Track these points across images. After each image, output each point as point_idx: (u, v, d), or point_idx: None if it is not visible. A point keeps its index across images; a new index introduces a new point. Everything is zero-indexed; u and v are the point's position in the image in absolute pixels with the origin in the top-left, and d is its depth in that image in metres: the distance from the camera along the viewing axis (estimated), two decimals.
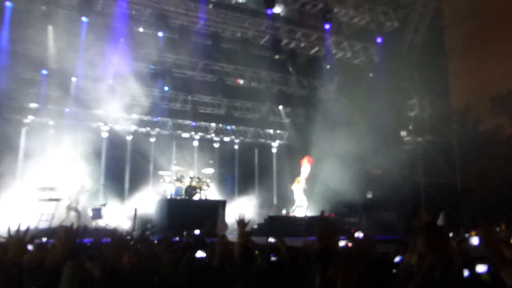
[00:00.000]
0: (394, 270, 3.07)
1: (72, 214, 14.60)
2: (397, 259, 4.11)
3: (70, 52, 16.52)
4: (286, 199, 18.98)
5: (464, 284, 2.29)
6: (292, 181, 17.72)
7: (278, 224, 16.37)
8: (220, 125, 21.41)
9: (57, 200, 14.39)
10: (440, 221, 13.42)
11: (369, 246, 3.68)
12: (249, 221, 4.49)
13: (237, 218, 4.31)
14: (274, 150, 22.38)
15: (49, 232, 11.93)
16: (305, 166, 17.86)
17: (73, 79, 17.31)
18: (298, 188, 17.36)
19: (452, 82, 19.36)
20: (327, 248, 3.16)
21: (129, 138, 19.24)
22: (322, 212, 16.56)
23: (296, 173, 18.84)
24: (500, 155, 22.87)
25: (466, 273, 2.93)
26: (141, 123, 19.66)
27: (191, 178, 16.81)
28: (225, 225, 13.37)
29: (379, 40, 18.76)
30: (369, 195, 17.28)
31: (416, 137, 18.14)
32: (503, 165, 21.84)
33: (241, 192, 20.62)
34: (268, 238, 7.76)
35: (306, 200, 17.35)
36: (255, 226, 17.45)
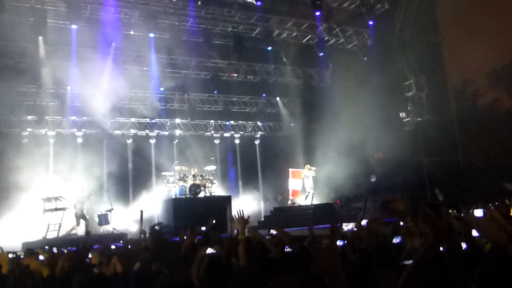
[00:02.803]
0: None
1: (81, 222, 14.71)
2: (396, 240, 4.16)
3: (62, 61, 16.53)
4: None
5: (466, 258, 2.32)
6: (300, 169, 17.82)
7: (283, 215, 16.41)
8: (219, 121, 21.42)
9: (62, 209, 14.47)
10: (439, 197, 13.46)
11: (378, 227, 3.71)
12: (249, 217, 4.46)
13: (236, 216, 4.27)
14: (274, 142, 22.44)
15: (57, 242, 12.03)
16: (293, 181, 17.93)
17: (68, 88, 17.32)
18: (307, 175, 17.42)
19: (447, 59, 19.39)
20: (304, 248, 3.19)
21: (129, 141, 19.27)
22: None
23: (300, 162, 18.94)
24: (500, 129, 22.90)
25: (464, 245, 2.96)
26: (140, 126, 19.70)
27: (194, 176, 16.83)
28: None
29: (370, 23, 18.73)
30: (373, 179, 17.34)
31: (415, 117, 18.17)
32: (504, 138, 21.88)
33: (245, 187, 20.70)
34: (269, 231, 7.78)
35: (312, 188, 17.44)
36: (262, 219, 17.61)
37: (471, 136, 19.25)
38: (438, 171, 17.35)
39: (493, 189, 13.18)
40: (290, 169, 18.24)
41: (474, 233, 3.11)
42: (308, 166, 17.67)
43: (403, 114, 18.60)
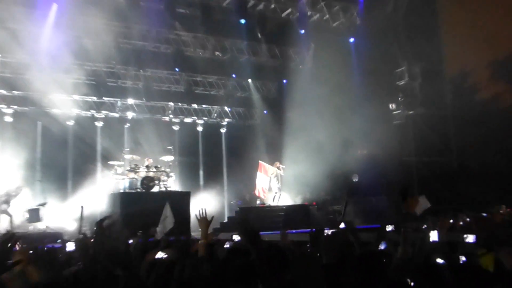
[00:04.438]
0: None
1: (3, 218, 14.24)
2: (382, 246, 4.38)
3: None
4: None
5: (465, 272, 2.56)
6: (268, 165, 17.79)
7: (251, 217, 16.38)
8: (179, 104, 21.14)
9: None
10: (423, 205, 13.67)
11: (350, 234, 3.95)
12: (212, 218, 4.48)
13: (198, 216, 4.32)
14: (244, 132, 22.30)
15: None
16: (261, 176, 17.94)
17: None
18: (275, 174, 17.43)
19: (445, 45, 19.68)
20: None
21: (70, 123, 18.75)
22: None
23: (272, 157, 18.87)
24: (500, 127, 23.45)
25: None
26: (85, 105, 19.18)
27: (147, 167, 16.66)
28: (170, 221, 13.26)
29: None
30: (355, 179, 17.51)
31: (406, 110, 18.46)
32: (504, 139, 22.43)
33: (207, 182, 20.55)
34: (232, 235, 7.74)
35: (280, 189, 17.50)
36: (225, 220, 17.54)
37: (467, 135, 19.64)
38: (428, 172, 17.66)
39: (489, 196, 13.48)
40: (261, 162, 18.20)
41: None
42: (277, 163, 17.72)
43: (393, 105, 18.89)
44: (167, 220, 12.82)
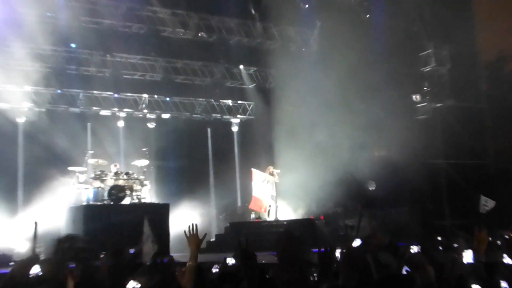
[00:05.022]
0: None
1: None
2: (404, 269, 4.42)
3: None
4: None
5: None
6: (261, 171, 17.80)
7: (244, 234, 16.38)
8: (156, 96, 21.12)
9: None
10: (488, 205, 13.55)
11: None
12: (205, 235, 4.59)
13: (187, 233, 4.35)
14: (235, 129, 22.25)
15: None
16: (255, 186, 17.96)
17: None
18: (268, 180, 17.45)
19: (479, 23, 19.72)
20: None
21: (20, 120, 18.73)
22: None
23: (268, 160, 18.85)
24: None
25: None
26: (38, 98, 19.14)
27: (116, 174, 16.68)
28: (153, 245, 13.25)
29: None
30: (371, 187, 17.52)
31: (433, 102, 18.46)
32: None
33: (190, 192, 20.47)
34: (226, 257, 7.76)
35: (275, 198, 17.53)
36: (212, 239, 17.53)
37: (507, 132, 19.67)
38: (460, 178, 17.69)
39: None
40: (253, 170, 18.20)
41: None
42: (270, 168, 17.73)
43: (417, 97, 18.90)
44: (151, 239, 12.81)
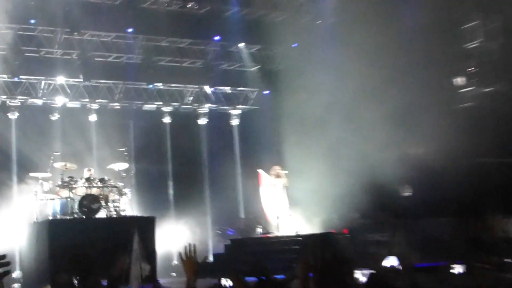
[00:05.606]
0: None
1: None
2: None
3: None
4: (261, 208, 19.00)
5: None
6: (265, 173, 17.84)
7: (248, 253, 16.39)
8: (135, 83, 21.22)
9: None
10: None
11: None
12: (205, 258, 4.66)
13: (184, 255, 4.32)
14: (234, 123, 22.26)
15: None
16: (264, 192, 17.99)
17: None
18: (275, 184, 17.37)
19: None
20: None
21: None
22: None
23: (275, 159, 18.83)
24: None
25: None
26: None
27: (88, 181, 16.72)
28: (144, 268, 13.33)
29: None
30: (406, 193, 17.47)
31: (480, 86, 18.36)
32: None
33: (181, 201, 20.58)
34: (220, 280, 7.76)
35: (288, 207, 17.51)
36: (209, 260, 17.50)
37: None
38: None
39: None
40: (260, 171, 18.20)
41: None
42: (277, 168, 17.71)
43: (460, 80, 18.80)
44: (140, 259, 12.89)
